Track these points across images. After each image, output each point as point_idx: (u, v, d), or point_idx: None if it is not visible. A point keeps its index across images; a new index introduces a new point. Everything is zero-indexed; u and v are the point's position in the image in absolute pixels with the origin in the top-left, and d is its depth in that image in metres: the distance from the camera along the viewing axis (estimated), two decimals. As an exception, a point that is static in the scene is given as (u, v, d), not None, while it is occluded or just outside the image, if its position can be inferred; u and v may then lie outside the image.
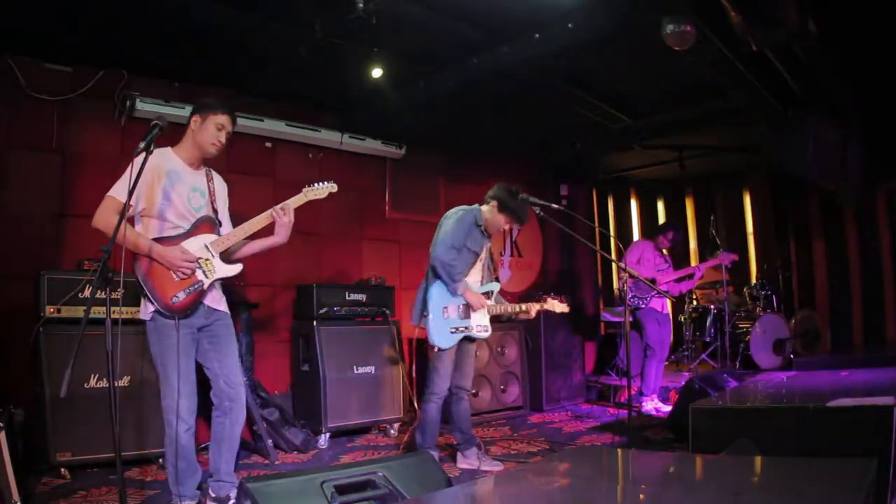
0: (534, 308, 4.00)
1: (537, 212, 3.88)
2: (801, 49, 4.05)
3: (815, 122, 4.91)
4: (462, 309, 3.89)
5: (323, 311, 4.80)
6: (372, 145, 5.85)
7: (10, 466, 2.68)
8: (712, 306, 6.73)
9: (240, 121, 3.51)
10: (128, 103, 4.48)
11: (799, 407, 2.75)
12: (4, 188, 4.11)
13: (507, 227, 4.09)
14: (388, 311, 5.16)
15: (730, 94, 5.00)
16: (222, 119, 2.94)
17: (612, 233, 8.39)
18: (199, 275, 2.89)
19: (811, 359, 6.27)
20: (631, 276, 5.20)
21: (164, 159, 2.87)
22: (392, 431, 5.04)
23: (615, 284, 8.45)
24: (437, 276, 3.82)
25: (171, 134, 2.72)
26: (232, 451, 3.03)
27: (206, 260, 2.92)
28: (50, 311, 3.67)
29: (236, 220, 3.11)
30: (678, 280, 5.90)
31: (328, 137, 5.55)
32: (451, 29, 4.12)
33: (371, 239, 6.04)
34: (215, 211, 3.04)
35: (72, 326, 3.69)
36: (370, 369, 4.94)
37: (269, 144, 5.35)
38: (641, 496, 1.93)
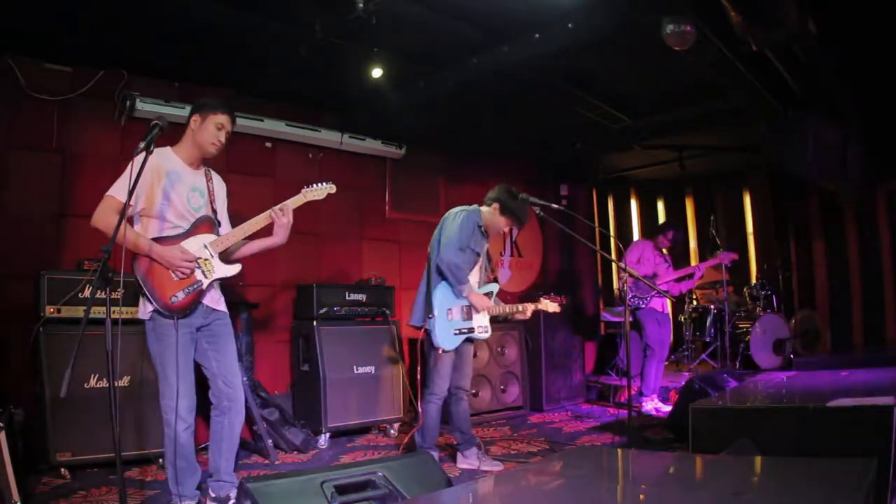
0: (529, 308, 4.00)
1: (537, 212, 3.88)
2: (801, 49, 4.05)
3: (815, 122, 4.91)
4: (465, 310, 3.90)
5: (323, 311, 4.80)
6: (372, 145, 5.85)
7: (10, 466, 2.68)
8: (712, 306, 6.73)
9: (240, 121, 3.52)
10: (128, 103, 4.48)
11: (799, 407, 2.75)
12: (4, 188, 4.11)
13: (506, 229, 4.09)
14: (388, 311, 5.16)
15: (730, 94, 5.00)
16: (222, 119, 2.94)
17: (612, 233, 8.39)
18: (198, 275, 2.89)
19: (811, 359, 6.27)
20: (631, 275, 5.20)
21: (164, 159, 2.88)
22: (392, 431, 5.04)
23: (615, 284, 8.45)
24: (442, 278, 3.82)
25: (171, 134, 2.72)
26: (231, 451, 3.03)
27: (206, 260, 2.92)
28: (50, 311, 3.67)
29: (236, 220, 3.12)
30: (678, 280, 5.90)
31: (328, 137, 5.55)
32: (451, 29, 4.12)
33: (371, 239, 6.04)
34: (214, 211, 3.04)
35: (72, 326, 3.69)
36: (370, 369, 4.94)
37: (269, 144, 5.35)
38: (641, 496, 1.93)
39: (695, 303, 7.07)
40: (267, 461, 4.17)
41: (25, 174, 4.19)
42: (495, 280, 4.19)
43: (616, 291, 8.23)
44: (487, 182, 4.17)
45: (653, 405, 5.58)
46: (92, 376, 3.72)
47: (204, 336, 2.97)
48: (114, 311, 2.24)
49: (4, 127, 4.15)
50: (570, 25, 3.88)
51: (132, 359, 3.79)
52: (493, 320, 4.06)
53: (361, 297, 5.06)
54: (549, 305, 4.05)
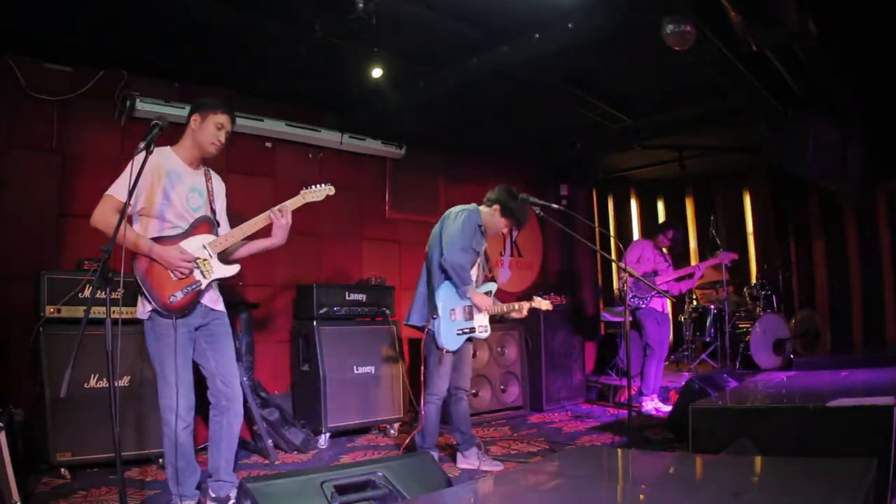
0: (525, 306, 4.00)
1: (537, 212, 3.88)
2: (801, 49, 4.05)
3: (815, 122, 4.91)
4: (467, 310, 3.90)
5: (323, 311, 4.80)
6: (372, 145, 5.85)
7: (10, 466, 2.68)
8: (712, 306, 6.73)
9: (240, 121, 3.52)
10: (128, 103, 4.48)
11: (799, 407, 2.75)
12: (4, 188, 4.11)
13: (505, 230, 4.09)
14: (388, 311, 5.16)
15: (730, 94, 5.00)
16: (222, 118, 2.95)
17: (612, 233, 8.39)
18: (197, 275, 2.89)
19: (811, 359, 6.27)
20: (631, 275, 5.20)
21: (164, 159, 2.88)
22: (392, 431, 5.04)
23: (615, 284, 8.45)
24: (446, 278, 3.82)
25: (171, 133, 2.72)
26: (230, 451, 3.03)
27: (204, 260, 2.92)
28: (50, 311, 3.67)
29: (236, 220, 3.12)
30: (678, 280, 5.90)
31: (328, 137, 5.55)
32: (451, 29, 4.12)
33: (371, 239, 6.04)
34: (213, 211, 3.04)
35: (72, 326, 3.69)
36: (370, 369, 4.94)
37: (269, 144, 5.35)
38: (641, 496, 1.93)
39: (695, 303, 7.07)
40: (267, 461, 4.17)
41: (25, 174, 4.19)
42: (492, 279, 4.19)
43: (616, 291, 8.23)
44: (487, 182, 4.17)
45: (653, 405, 5.58)
46: (92, 376, 3.72)
47: (202, 336, 2.97)
48: (114, 311, 2.24)
49: (4, 127, 4.15)
50: (570, 25, 3.88)
51: (132, 359, 3.79)
52: (492, 320, 4.06)
53: (361, 297, 5.06)
54: (542, 303, 4.05)
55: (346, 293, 4.99)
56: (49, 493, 3.35)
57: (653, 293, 5.57)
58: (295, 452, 4.39)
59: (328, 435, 4.65)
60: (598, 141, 6.54)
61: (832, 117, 5.06)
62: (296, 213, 3.09)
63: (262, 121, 5.11)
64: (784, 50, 4.06)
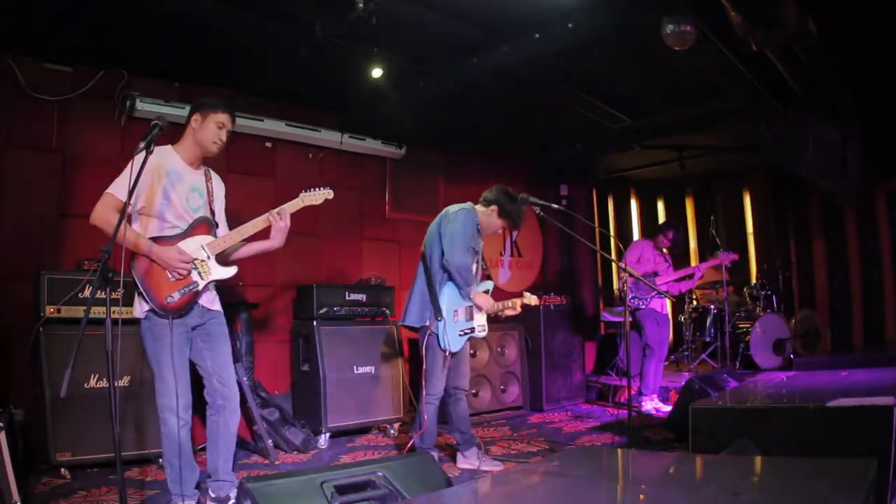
0: (518, 303, 3.99)
1: (537, 212, 3.87)
2: (801, 49, 4.05)
3: (815, 122, 4.91)
4: (468, 311, 3.89)
5: (323, 311, 4.80)
6: (372, 145, 5.85)
7: (10, 466, 2.68)
8: (712, 306, 6.73)
9: (240, 121, 3.52)
10: (128, 103, 4.48)
11: (799, 407, 2.76)
12: (4, 188, 4.11)
13: (501, 230, 4.09)
14: (387, 311, 5.17)
15: (730, 94, 5.01)
16: (223, 118, 2.95)
17: (612, 233, 8.39)
18: (195, 276, 2.89)
19: (811, 359, 6.28)
20: (631, 275, 5.21)
21: (165, 158, 2.88)
22: (392, 431, 5.04)
23: (615, 284, 8.45)
24: (449, 279, 3.81)
25: (171, 133, 2.72)
26: (229, 450, 3.03)
27: (202, 261, 2.92)
28: (50, 311, 3.67)
29: (235, 219, 3.12)
30: (678, 280, 5.91)
31: (328, 137, 5.55)
32: (451, 29, 4.12)
33: (371, 239, 6.04)
34: (213, 212, 3.04)
35: (72, 326, 3.69)
36: (370, 369, 4.93)
37: (269, 144, 5.35)
38: (641, 496, 1.93)
39: (695, 303, 7.07)
40: (267, 461, 4.17)
41: (25, 174, 4.19)
42: (489, 277, 4.19)
43: (616, 291, 8.23)
44: (487, 182, 4.17)
45: (653, 405, 5.58)
46: (92, 376, 3.72)
47: (199, 335, 2.98)
48: (114, 311, 2.24)
49: (4, 127, 4.15)
50: (570, 25, 3.88)
51: (132, 359, 3.79)
52: (490, 319, 4.06)
53: (361, 297, 5.06)
54: (532, 299, 4.03)
55: (346, 293, 4.99)
56: (49, 493, 3.35)
57: (653, 294, 5.57)
58: (295, 452, 4.39)
59: (328, 435, 4.65)
60: (598, 141, 6.54)
61: (832, 117, 5.06)
62: (296, 213, 3.10)
63: (262, 121, 5.11)
64: (784, 50, 4.06)
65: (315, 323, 4.74)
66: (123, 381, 3.79)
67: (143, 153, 2.46)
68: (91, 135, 4.45)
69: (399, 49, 4.40)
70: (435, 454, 3.83)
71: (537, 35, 4.06)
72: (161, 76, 4.73)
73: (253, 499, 1.97)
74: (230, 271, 3.01)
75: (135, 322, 2.91)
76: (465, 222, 3.80)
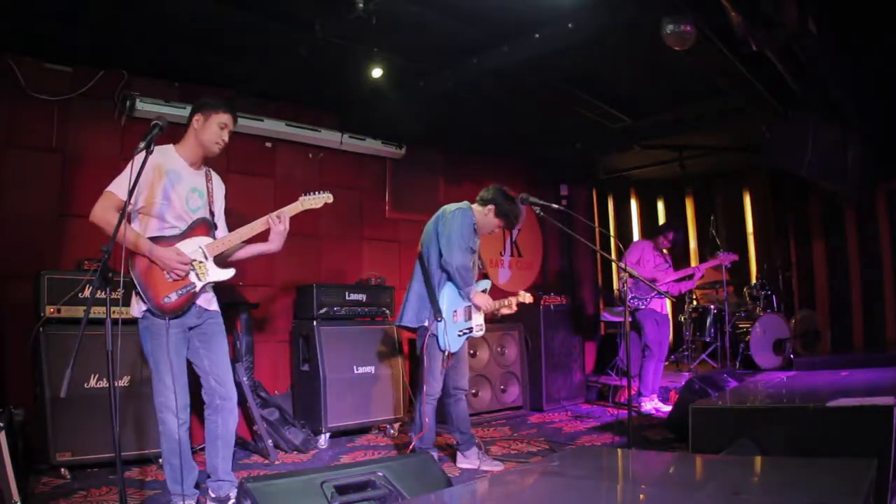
0: (514, 301, 3.99)
1: (537, 212, 3.87)
2: (801, 49, 4.05)
3: (815, 122, 4.91)
4: (466, 311, 3.89)
5: (323, 311, 4.81)
6: (372, 145, 5.85)
7: (10, 466, 2.68)
8: (712, 306, 6.73)
9: (240, 121, 3.51)
10: (128, 103, 4.48)
11: (799, 407, 2.75)
12: (4, 188, 4.11)
13: (497, 230, 4.09)
14: (387, 311, 5.17)
15: (730, 94, 5.00)
16: (225, 118, 2.95)
17: (612, 233, 8.39)
18: (192, 277, 2.89)
19: (811, 359, 6.28)
20: (631, 276, 5.20)
21: (166, 158, 2.88)
22: (392, 431, 5.04)
23: (615, 284, 8.45)
24: (448, 279, 3.81)
25: (171, 133, 2.72)
26: (228, 450, 3.03)
27: (200, 263, 2.92)
28: (50, 311, 3.67)
29: (236, 220, 3.12)
30: (678, 280, 5.91)
31: (328, 137, 5.55)
32: (451, 29, 4.12)
33: (371, 239, 6.04)
34: (212, 213, 3.04)
35: (72, 326, 3.69)
36: (370, 369, 4.94)
37: (269, 144, 5.35)
38: (641, 496, 1.93)
39: (695, 303, 7.07)
40: (267, 461, 4.17)
41: (25, 174, 4.19)
42: (486, 276, 4.19)
43: (616, 292, 8.23)
44: (487, 182, 4.17)
45: (652, 405, 5.58)
46: (92, 376, 3.72)
47: (196, 335, 2.98)
48: (114, 311, 2.24)
49: (4, 127, 4.15)
50: (570, 25, 3.88)
51: (132, 359, 3.79)
52: (488, 318, 4.05)
53: (361, 297, 5.06)
54: (526, 297, 4.04)
55: (346, 293, 4.99)
56: (49, 493, 3.35)
57: (652, 294, 5.56)
58: (295, 452, 4.39)
59: (328, 435, 4.65)
60: (598, 141, 6.54)
61: (832, 117, 5.06)
62: (296, 214, 3.11)
63: (262, 121, 5.11)
64: (784, 50, 4.06)
65: (315, 323, 4.74)
66: (123, 381, 3.79)
67: (144, 153, 2.47)
68: (91, 135, 4.45)
69: (399, 49, 4.40)
70: (435, 454, 3.83)
71: (537, 35, 4.06)
72: (161, 76, 4.73)
73: (253, 499, 1.97)
74: (228, 273, 3.01)
75: (135, 322, 2.91)
76: (462, 222, 3.80)
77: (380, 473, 2.23)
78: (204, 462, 3.06)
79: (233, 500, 2.96)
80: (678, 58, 3.92)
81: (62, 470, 3.57)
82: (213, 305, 3.06)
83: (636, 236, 8.49)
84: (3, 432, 2.66)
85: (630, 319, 5.44)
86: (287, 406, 4.87)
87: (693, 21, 3.53)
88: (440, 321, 3.75)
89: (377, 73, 4.52)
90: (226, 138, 2.98)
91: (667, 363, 6.14)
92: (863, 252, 7.01)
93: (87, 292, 3.74)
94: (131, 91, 4.52)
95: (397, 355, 5.13)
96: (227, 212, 3.18)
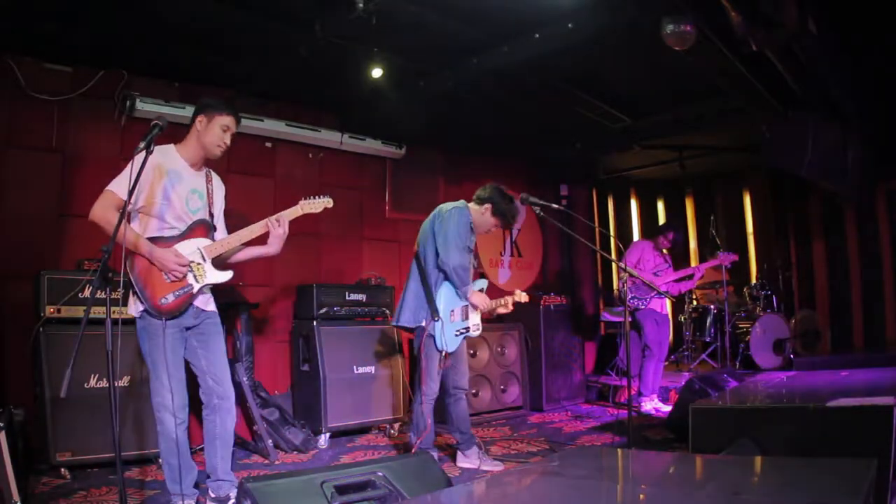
0: (510, 300, 3.99)
1: (537, 211, 3.87)
2: (801, 49, 4.05)
3: (815, 122, 4.91)
4: (464, 310, 3.89)
5: (323, 311, 4.81)
6: (372, 145, 5.85)
7: (10, 466, 2.68)
8: (712, 306, 6.73)
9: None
10: (128, 103, 4.48)
11: (799, 407, 2.75)
12: (4, 188, 4.11)
13: (494, 229, 4.09)
14: (387, 311, 5.16)
15: (730, 94, 5.00)
16: (227, 120, 2.94)
17: (612, 233, 8.39)
18: (190, 278, 2.89)
19: (811, 359, 6.27)
20: (631, 276, 5.20)
21: (167, 158, 2.87)
22: (392, 431, 5.04)
23: (615, 284, 8.45)
24: (445, 279, 3.81)
25: (171, 133, 2.72)
26: (227, 449, 3.03)
27: (198, 264, 2.92)
28: (50, 311, 3.66)
29: (235, 220, 3.12)
30: (678, 280, 5.91)
31: (328, 137, 5.54)
32: (451, 29, 4.11)
33: (371, 239, 6.04)
34: (212, 215, 3.03)
35: (72, 326, 3.69)
36: (370, 369, 4.94)
37: (269, 144, 5.35)
38: (641, 496, 1.93)
39: (695, 303, 7.07)
40: (267, 461, 4.17)
41: (25, 174, 4.19)
42: (482, 275, 4.19)
43: (616, 292, 8.23)
44: (487, 182, 4.17)
45: (652, 405, 5.58)
46: (92, 376, 3.72)
47: (193, 335, 2.98)
48: (114, 311, 2.24)
49: (4, 127, 4.15)
50: (570, 25, 3.88)
51: (132, 359, 3.79)
52: (485, 318, 4.05)
53: (361, 297, 5.06)
54: (522, 296, 4.04)
55: (346, 293, 4.99)
56: (49, 493, 3.35)
57: (652, 294, 5.56)
58: (295, 452, 4.39)
59: (328, 435, 4.65)
60: (598, 141, 6.54)
61: (832, 117, 5.06)
62: (296, 213, 3.11)
63: (262, 121, 5.11)
64: (784, 50, 4.06)
65: (315, 323, 4.74)
66: (123, 381, 3.79)
67: (144, 153, 2.46)
68: (91, 135, 4.45)
69: (399, 49, 4.40)
70: (435, 454, 3.83)
71: (537, 35, 4.06)
72: (161, 76, 4.73)
73: (253, 499, 1.97)
74: (226, 275, 3.01)
75: (134, 322, 2.91)
76: (458, 221, 3.80)
77: (380, 473, 2.23)
78: (204, 462, 3.06)
79: (233, 500, 2.96)
80: (678, 58, 3.92)
81: (62, 470, 3.57)
82: (211, 306, 3.06)
83: (636, 236, 8.49)
84: (3, 432, 2.66)
85: (630, 319, 5.44)
86: (287, 406, 4.88)
87: (693, 21, 3.53)
88: (437, 321, 3.74)
89: (377, 73, 4.52)
90: (228, 141, 2.97)
91: (667, 363, 6.14)
92: (863, 252, 7.01)
93: (87, 292, 3.74)
94: (131, 91, 4.52)
95: (397, 355, 5.13)
96: (227, 212, 3.18)
